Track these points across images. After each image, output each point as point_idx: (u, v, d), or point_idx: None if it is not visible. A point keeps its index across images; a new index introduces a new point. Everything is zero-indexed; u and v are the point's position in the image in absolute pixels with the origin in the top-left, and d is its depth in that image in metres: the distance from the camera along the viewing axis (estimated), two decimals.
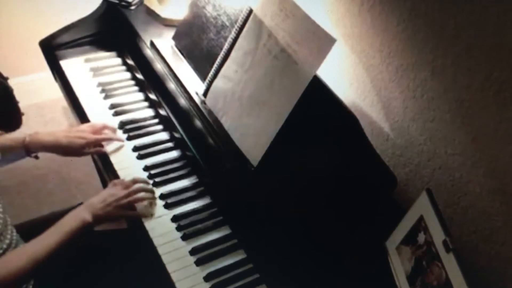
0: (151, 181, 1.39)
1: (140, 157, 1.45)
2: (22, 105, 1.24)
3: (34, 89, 2.68)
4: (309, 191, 1.19)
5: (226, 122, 1.31)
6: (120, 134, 1.52)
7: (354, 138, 1.16)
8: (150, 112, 1.61)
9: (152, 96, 1.60)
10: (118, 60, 1.78)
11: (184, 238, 1.27)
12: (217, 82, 1.35)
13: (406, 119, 1.26)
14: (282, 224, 1.17)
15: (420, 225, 1.05)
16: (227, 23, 1.38)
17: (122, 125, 1.54)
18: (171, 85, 1.48)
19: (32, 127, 2.64)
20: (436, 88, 1.15)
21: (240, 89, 1.29)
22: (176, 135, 1.49)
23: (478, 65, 1.03)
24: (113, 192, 1.29)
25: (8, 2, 2.46)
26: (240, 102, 1.28)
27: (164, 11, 1.73)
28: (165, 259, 1.22)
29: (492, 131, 1.04)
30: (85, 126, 1.50)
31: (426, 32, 1.12)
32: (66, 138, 1.44)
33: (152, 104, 1.62)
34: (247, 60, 1.27)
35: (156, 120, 1.58)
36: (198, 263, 1.22)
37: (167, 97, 1.52)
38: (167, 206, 1.33)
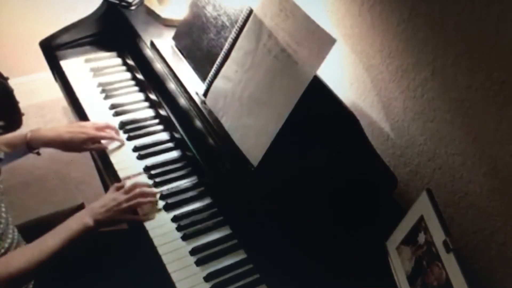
0: (151, 181, 1.39)
1: (141, 157, 1.45)
2: (22, 105, 1.24)
3: (34, 89, 2.68)
4: (309, 191, 1.19)
5: (226, 122, 1.31)
6: (120, 134, 1.52)
7: (354, 138, 1.16)
8: (150, 112, 1.61)
9: (152, 96, 1.61)
10: (118, 60, 1.78)
11: (184, 238, 1.27)
12: (217, 82, 1.35)
13: (406, 119, 1.26)
14: (282, 224, 1.17)
15: (420, 225, 1.05)
16: (227, 23, 1.38)
17: (122, 125, 1.54)
18: (171, 85, 1.48)
19: (32, 127, 2.63)
20: (436, 88, 1.15)
21: (240, 89, 1.29)
22: (176, 135, 1.49)
23: (478, 65, 1.03)
24: (114, 196, 1.29)
25: (8, 2, 2.47)
26: (240, 102, 1.28)
27: (164, 11, 1.73)
28: (165, 259, 1.22)
29: (493, 131, 1.04)
30: (87, 122, 1.50)
31: (426, 32, 1.12)
32: (68, 133, 1.44)
33: (152, 104, 1.62)
34: (247, 60, 1.27)
35: (157, 120, 1.58)
36: (198, 263, 1.22)
37: (167, 97, 1.52)
38: (167, 207, 1.33)
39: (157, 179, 1.39)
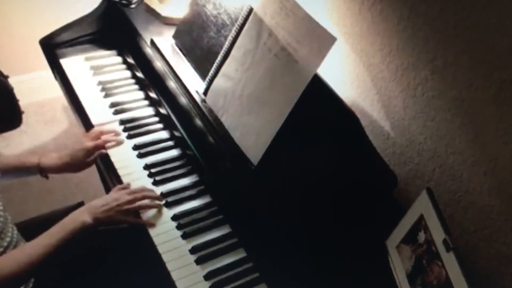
0: (151, 179, 1.39)
1: (140, 155, 1.45)
2: (22, 103, 1.24)
3: (34, 87, 2.68)
4: (309, 190, 1.19)
5: (226, 121, 1.31)
6: (120, 133, 1.52)
7: (354, 137, 1.16)
8: (150, 111, 1.61)
9: (152, 94, 1.60)
10: (118, 59, 1.78)
11: (184, 236, 1.27)
12: (218, 81, 1.35)
13: (406, 118, 1.26)
14: (282, 223, 1.17)
15: (420, 224, 1.05)
16: (228, 22, 1.38)
17: (122, 123, 1.54)
18: (171, 84, 1.48)
19: (32, 125, 2.65)
20: (436, 87, 1.15)
21: (240, 88, 1.28)
22: (176, 133, 1.49)
23: (479, 64, 1.03)
24: (117, 196, 1.28)
25: (9, 1, 2.46)
26: (241, 101, 1.28)
27: (164, 10, 1.73)
28: (165, 257, 1.22)
29: (493, 130, 1.04)
30: (82, 136, 1.51)
31: (426, 31, 1.12)
32: (67, 156, 1.47)
33: (152, 103, 1.62)
34: (248, 58, 1.27)
35: (156, 119, 1.58)
36: (198, 261, 1.22)
37: (167, 96, 1.52)
38: (167, 205, 1.33)
39: (157, 178, 1.39)
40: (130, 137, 1.51)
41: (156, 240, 1.25)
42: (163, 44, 1.54)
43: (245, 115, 1.26)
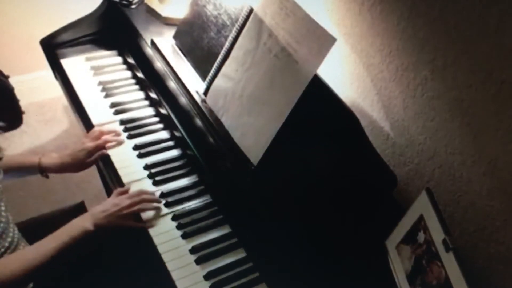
0: (151, 180, 1.39)
1: (141, 155, 1.45)
2: (22, 103, 1.24)
3: (35, 87, 2.68)
4: (309, 190, 1.19)
5: (227, 121, 1.31)
6: (120, 133, 1.52)
7: (354, 137, 1.17)
8: (150, 111, 1.61)
9: (153, 95, 1.61)
10: (119, 59, 1.78)
11: (184, 236, 1.27)
12: (218, 81, 1.35)
13: (406, 118, 1.26)
14: (282, 223, 1.17)
15: (420, 224, 1.05)
16: (228, 22, 1.39)
17: (122, 123, 1.55)
18: (172, 84, 1.48)
19: (32, 125, 2.65)
20: (436, 87, 1.15)
21: (240, 88, 1.29)
22: (177, 134, 1.49)
23: (478, 64, 1.03)
24: (116, 202, 1.28)
25: (9, 1, 2.46)
26: (241, 101, 1.28)
27: (164, 10, 1.73)
28: (165, 257, 1.22)
29: (492, 130, 1.05)
30: (83, 137, 1.52)
31: (426, 31, 1.12)
32: (68, 156, 1.48)
33: (153, 103, 1.63)
34: (248, 59, 1.28)
35: (157, 119, 1.58)
36: (198, 261, 1.22)
37: (168, 96, 1.52)
38: (167, 205, 1.33)
39: (157, 178, 1.40)
40: (130, 137, 1.51)
41: (156, 240, 1.25)
42: (163, 44, 1.54)
43: (245, 115, 1.27)
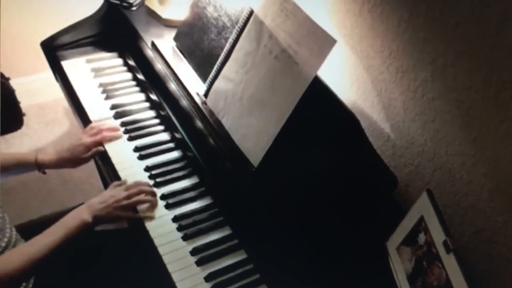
0: (152, 181, 1.39)
1: (141, 157, 1.46)
2: (23, 105, 1.25)
3: (35, 89, 2.68)
4: (310, 192, 1.19)
5: (227, 123, 1.31)
6: (120, 133, 1.53)
7: (354, 139, 1.17)
8: (151, 113, 1.61)
9: (153, 96, 1.61)
10: (119, 61, 1.79)
11: (185, 238, 1.27)
12: (218, 83, 1.35)
13: (406, 119, 1.26)
14: (282, 224, 1.17)
15: (420, 225, 1.05)
16: (228, 24, 1.39)
17: (123, 125, 1.55)
18: (172, 86, 1.48)
19: (33, 127, 2.65)
20: (436, 88, 1.15)
21: (241, 90, 1.29)
22: (177, 135, 1.49)
23: (479, 65, 1.03)
24: (113, 193, 1.29)
25: (10, 3, 2.47)
26: (241, 103, 1.28)
27: (165, 12, 1.73)
28: (166, 259, 1.22)
29: (493, 132, 1.05)
30: (82, 132, 1.52)
31: (426, 32, 1.12)
32: (66, 151, 1.48)
33: (153, 105, 1.63)
34: (248, 60, 1.28)
35: (157, 121, 1.58)
36: (198, 263, 1.22)
37: (168, 98, 1.53)
38: (168, 207, 1.33)
39: (158, 179, 1.40)
40: (131, 139, 1.51)
41: (157, 242, 1.25)
42: (164, 46, 1.54)
43: (245, 117, 1.27)
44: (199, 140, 1.40)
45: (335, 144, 1.18)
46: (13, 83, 1.22)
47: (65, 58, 1.75)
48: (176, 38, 1.56)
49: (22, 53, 2.57)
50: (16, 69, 2.41)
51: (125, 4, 1.69)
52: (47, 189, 2.34)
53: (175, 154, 1.49)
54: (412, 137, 1.26)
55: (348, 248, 1.16)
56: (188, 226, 1.29)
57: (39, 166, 1.47)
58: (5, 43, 2.53)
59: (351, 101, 1.41)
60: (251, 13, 1.29)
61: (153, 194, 1.34)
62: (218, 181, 1.37)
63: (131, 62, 1.73)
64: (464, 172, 1.15)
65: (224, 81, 1.34)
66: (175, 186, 1.39)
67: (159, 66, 1.55)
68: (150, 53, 1.59)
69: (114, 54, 1.80)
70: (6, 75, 1.23)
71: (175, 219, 1.31)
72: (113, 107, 1.60)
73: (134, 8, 1.72)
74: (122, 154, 1.47)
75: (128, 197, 1.29)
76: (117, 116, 1.58)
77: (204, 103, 1.38)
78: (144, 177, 1.41)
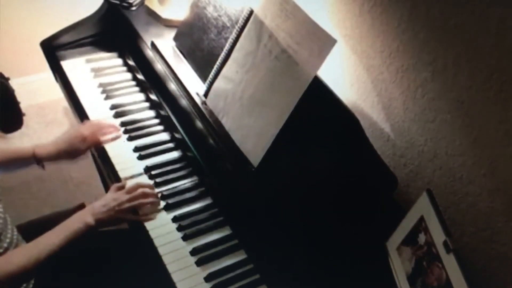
0: (151, 181, 1.39)
1: (141, 157, 1.45)
2: (23, 105, 1.25)
3: (35, 89, 2.68)
4: (310, 192, 1.19)
5: (227, 123, 1.31)
6: (120, 133, 1.52)
7: (354, 139, 1.16)
8: (151, 113, 1.61)
9: (153, 96, 1.61)
10: (119, 61, 1.79)
11: (185, 238, 1.27)
12: (218, 83, 1.35)
13: (406, 119, 1.26)
14: (282, 224, 1.17)
15: (420, 225, 1.05)
16: (228, 24, 1.39)
17: (122, 125, 1.55)
18: (172, 86, 1.48)
19: (33, 127, 2.65)
20: (436, 88, 1.15)
21: (241, 90, 1.29)
22: (177, 135, 1.49)
23: (479, 65, 1.03)
24: (115, 196, 1.29)
25: (9, 3, 2.47)
26: (241, 103, 1.28)
27: (165, 12, 1.73)
28: (165, 259, 1.22)
29: (493, 132, 1.05)
30: (81, 126, 1.52)
31: (426, 32, 1.12)
32: (64, 144, 1.47)
33: (153, 105, 1.63)
34: (248, 60, 1.28)
35: (157, 121, 1.58)
36: (198, 263, 1.22)
37: (168, 98, 1.53)
38: (168, 207, 1.33)
39: (158, 180, 1.40)
40: (130, 139, 1.51)
41: (157, 242, 1.25)
42: (163, 46, 1.54)
43: (245, 117, 1.27)
44: (199, 140, 1.40)
45: (335, 144, 1.18)
46: (13, 83, 1.22)
47: (65, 58, 1.75)
48: (176, 38, 1.56)
49: (22, 53, 2.57)
50: (16, 69, 2.41)
51: (125, 4, 1.69)
52: (47, 189, 2.34)
53: (175, 154, 1.49)
54: (412, 137, 1.26)
55: (348, 248, 1.16)
56: (188, 226, 1.29)
57: (38, 160, 1.46)
58: (5, 43, 2.53)
59: (351, 101, 1.41)
60: (251, 13, 1.28)
61: (155, 196, 1.34)
62: (218, 181, 1.37)
63: (131, 62, 1.73)
64: (464, 172, 1.15)
65: (224, 81, 1.34)
66: (175, 186, 1.39)
67: (159, 66, 1.54)
68: (150, 53, 1.59)
69: (114, 54, 1.80)
70: (6, 75, 1.22)
71: (175, 219, 1.31)
72: (113, 107, 1.60)
73: (134, 8, 1.72)
74: (122, 154, 1.47)
75: (131, 199, 1.29)
76: (117, 116, 1.58)
77: (204, 103, 1.38)
78: (144, 177, 1.41)
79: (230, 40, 1.33)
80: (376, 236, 1.19)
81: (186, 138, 1.44)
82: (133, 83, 1.71)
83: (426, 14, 1.11)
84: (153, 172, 1.41)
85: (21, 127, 1.27)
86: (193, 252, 1.24)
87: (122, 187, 1.34)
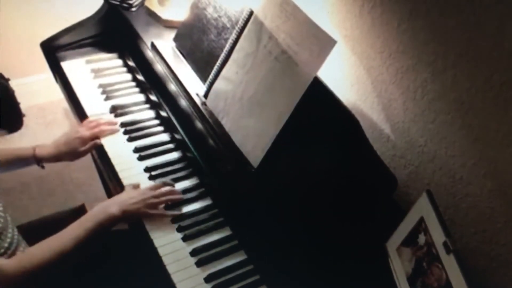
0: (152, 182, 1.39)
1: (141, 158, 1.45)
2: (23, 106, 1.25)
3: (35, 90, 2.69)
4: (310, 193, 1.19)
5: (227, 124, 1.31)
6: (120, 134, 1.53)
7: (354, 139, 1.16)
8: (150, 114, 1.61)
9: (153, 97, 1.61)
10: (119, 62, 1.79)
11: (185, 239, 1.27)
12: (218, 84, 1.35)
13: (406, 120, 1.26)
14: (282, 225, 1.17)
15: (420, 226, 1.05)
16: (228, 25, 1.39)
17: (122, 126, 1.55)
18: (172, 87, 1.48)
19: (33, 128, 2.65)
20: (436, 89, 1.15)
21: (240, 91, 1.29)
22: (177, 136, 1.49)
23: (479, 66, 1.03)
24: (142, 191, 1.31)
25: (9, 4, 2.47)
26: (241, 104, 1.28)
27: (165, 13, 1.73)
28: (165, 260, 1.22)
29: (493, 133, 1.05)
30: (80, 126, 1.53)
31: (426, 33, 1.12)
32: (65, 145, 1.49)
33: (153, 106, 1.63)
34: (248, 61, 1.28)
35: (157, 122, 1.58)
36: (198, 264, 1.22)
37: (168, 99, 1.53)
38: (168, 207, 1.33)
39: (158, 180, 1.39)
40: (130, 139, 1.51)
41: (157, 243, 1.25)
42: (163, 47, 1.54)
43: (245, 118, 1.27)
44: (199, 141, 1.40)
45: (335, 145, 1.18)
46: (12, 84, 1.22)
47: (65, 59, 1.75)
48: (176, 39, 1.56)
49: (22, 54, 2.57)
50: (16, 70, 2.41)
51: (125, 5, 1.69)
52: (47, 190, 2.34)
53: (175, 155, 1.49)
54: (412, 138, 1.26)
55: (348, 249, 1.16)
56: (188, 227, 1.29)
57: (38, 160, 1.47)
58: (5, 44, 2.53)
59: (351, 102, 1.41)
60: (251, 14, 1.29)
61: (180, 194, 1.35)
62: (218, 182, 1.37)
63: (131, 63, 1.73)
64: (464, 173, 1.15)
65: (224, 82, 1.34)
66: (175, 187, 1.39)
67: (159, 67, 1.55)
68: (150, 54, 1.59)
69: (114, 55, 1.80)
70: (6, 76, 1.22)
71: (175, 220, 1.30)
72: (113, 108, 1.60)
73: (134, 9, 1.72)
74: (122, 155, 1.47)
75: (157, 196, 1.30)
76: (117, 116, 1.58)
77: (204, 104, 1.38)
78: (144, 177, 1.41)
79: (230, 41, 1.34)
80: (376, 236, 1.19)
81: (186, 139, 1.44)
82: (133, 83, 1.72)
83: (426, 14, 1.11)
84: (153, 173, 1.41)
85: (21, 128, 1.27)
86: (193, 253, 1.24)
87: (138, 187, 1.35)
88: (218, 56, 1.37)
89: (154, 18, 1.74)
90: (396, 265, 1.12)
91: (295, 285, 1.13)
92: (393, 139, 1.33)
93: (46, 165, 1.52)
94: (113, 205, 1.25)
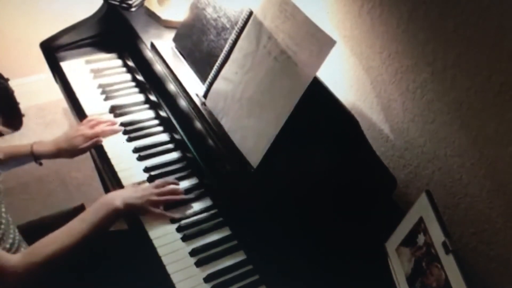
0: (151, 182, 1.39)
1: (140, 158, 1.45)
2: (22, 106, 1.25)
3: (35, 90, 2.68)
4: (309, 193, 1.19)
5: (226, 124, 1.31)
6: (120, 134, 1.53)
7: (353, 140, 1.17)
8: (150, 114, 1.61)
9: (152, 97, 1.61)
10: (119, 62, 1.79)
11: (184, 239, 1.27)
12: (217, 84, 1.35)
13: (405, 120, 1.26)
14: (282, 225, 1.17)
15: (419, 226, 1.05)
16: (227, 25, 1.39)
17: (122, 126, 1.54)
18: (171, 87, 1.48)
19: (32, 128, 2.65)
20: (435, 89, 1.15)
21: (240, 91, 1.29)
22: (176, 136, 1.49)
23: (478, 66, 1.03)
24: (144, 187, 1.32)
25: (9, 4, 2.47)
26: (240, 104, 1.28)
27: (164, 13, 1.73)
28: (165, 260, 1.22)
29: (492, 133, 1.05)
30: (81, 124, 1.53)
31: (425, 33, 1.12)
32: (64, 142, 1.49)
33: (152, 106, 1.63)
34: (247, 61, 1.28)
35: (157, 122, 1.58)
36: (198, 264, 1.22)
37: (167, 99, 1.53)
38: (168, 208, 1.33)
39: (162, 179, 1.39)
40: (130, 139, 1.51)
41: (156, 243, 1.25)
42: (163, 47, 1.54)
43: (244, 118, 1.27)
44: (198, 141, 1.40)
45: (334, 145, 1.18)
46: (12, 84, 1.22)
47: (64, 59, 1.75)
48: (175, 39, 1.56)
49: (21, 54, 2.57)
50: (15, 70, 2.41)
51: (124, 5, 1.69)
52: (46, 190, 2.34)
53: (174, 155, 1.49)
54: (411, 138, 1.26)
55: (348, 249, 1.16)
56: (187, 227, 1.29)
57: (36, 157, 1.47)
58: (4, 44, 2.53)
59: (350, 102, 1.41)
60: (251, 14, 1.29)
61: (183, 193, 1.36)
62: (217, 182, 1.37)
63: (130, 63, 1.73)
64: (464, 173, 1.15)
65: (223, 82, 1.34)
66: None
67: (158, 67, 1.55)
68: (149, 54, 1.59)
69: (114, 55, 1.80)
70: (5, 75, 1.22)
71: (174, 220, 1.30)
72: (113, 108, 1.60)
73: (133, 9, 1.72)
74: (121, 155, 1.47)
75: (160, 194, 1.31)
76: (116, 116, 1.58)
77: (204, 104, 1.38)
78: (143, 177, 1.41)
79: (229, 41, 1.34)
80: (375, 237, 1.19)
81: (185, 139, 1.44)
82: (133, 84, 1.71)
83: (425, 15, 1.11)
84: (152, 173, 1.41)
85: (21, 128, 1.27)
86: (193, 253, 1.24)
87: (140, 185, 1.36)
88: (217, 56, 1.37)
89: (153, 18, 1.74)
90: (395, 265, 1.12)
91: (294, 285, 1.13)
92: (392, 139, 1.33)
93: (45, 165, 1.52)
94: (116, 199, 1.26)
